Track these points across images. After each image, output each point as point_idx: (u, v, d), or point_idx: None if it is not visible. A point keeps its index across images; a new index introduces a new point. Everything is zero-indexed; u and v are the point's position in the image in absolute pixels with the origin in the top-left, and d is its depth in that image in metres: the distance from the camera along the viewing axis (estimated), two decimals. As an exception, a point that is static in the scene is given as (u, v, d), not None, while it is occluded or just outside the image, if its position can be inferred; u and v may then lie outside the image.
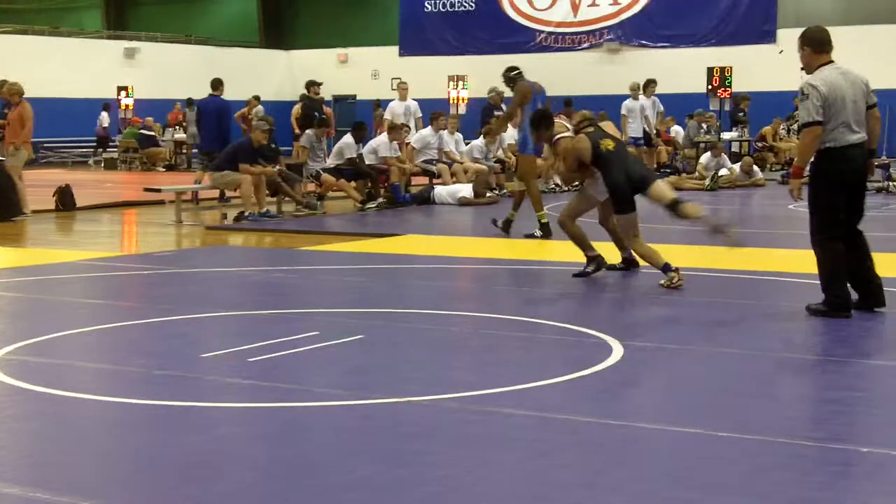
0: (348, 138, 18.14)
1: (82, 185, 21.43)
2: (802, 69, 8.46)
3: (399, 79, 23.45)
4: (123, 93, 33.94)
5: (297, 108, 23.22)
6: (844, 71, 8.29)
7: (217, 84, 19.93)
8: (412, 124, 21.54)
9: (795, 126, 31.15)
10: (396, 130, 19.06)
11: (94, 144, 34.38)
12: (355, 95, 33.04)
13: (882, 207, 17.77)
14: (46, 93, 30.62)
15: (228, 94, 20.32)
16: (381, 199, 18.06)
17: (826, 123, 8.12)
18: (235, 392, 6.32)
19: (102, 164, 32.61)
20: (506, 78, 14.54)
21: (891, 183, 20.70)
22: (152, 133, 31.96)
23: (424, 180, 20.26)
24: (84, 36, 40.31)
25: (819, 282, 8.46)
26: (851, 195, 8.34)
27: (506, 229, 14.01)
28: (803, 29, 8.59)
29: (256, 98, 29.57)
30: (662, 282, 9.72)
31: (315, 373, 6.73)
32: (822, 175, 8.34)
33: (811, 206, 8.42)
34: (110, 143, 33.93)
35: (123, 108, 33.87)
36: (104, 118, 34.07)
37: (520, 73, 14.38)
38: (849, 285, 8.35)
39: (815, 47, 8.30)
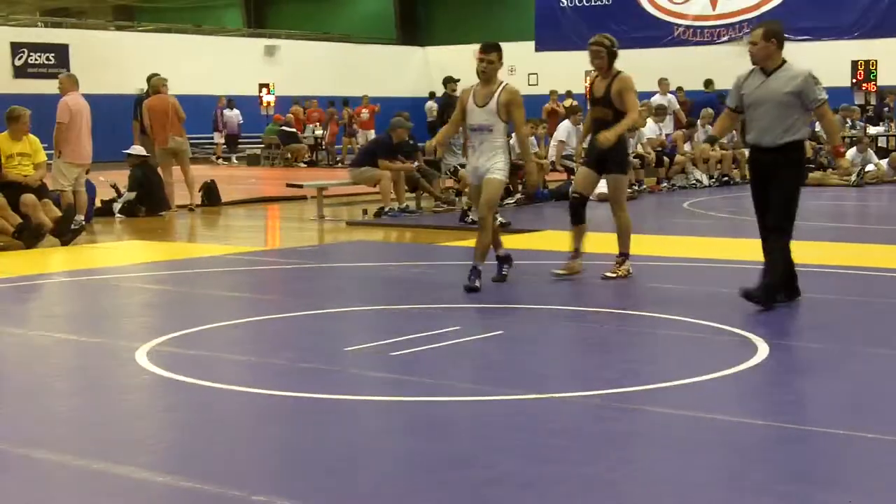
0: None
1: (226, 180, 21.86)
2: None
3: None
4: (265, 90, 34.44)
5: (431, 104, 23.43)
6: None
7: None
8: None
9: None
10: (532, 126, 18.97)
11: (228, 143, 34.82)
12: (492, 91, 33.08)
13: None
14: (190, 90, 31.24)
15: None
16: (518, 195, 18.04)
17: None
18: (378, 386, 6.37)
19: (246, 161, 33.22)
20: None
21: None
22: (293, 130, 32.42)
23: (562, 176, 20.16)
24: (226, 34, 41.07)
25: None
26: None
27: None
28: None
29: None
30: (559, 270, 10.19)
31: (456, 367, 6.76)
32: (802, 165, 8.59)
33: (791, 199, 8.29)
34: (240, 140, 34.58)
35: (265, 105, 34.36)
36: (233, 115, 34.42)
37: None
38: None
39: (780, 43, 8.52)
